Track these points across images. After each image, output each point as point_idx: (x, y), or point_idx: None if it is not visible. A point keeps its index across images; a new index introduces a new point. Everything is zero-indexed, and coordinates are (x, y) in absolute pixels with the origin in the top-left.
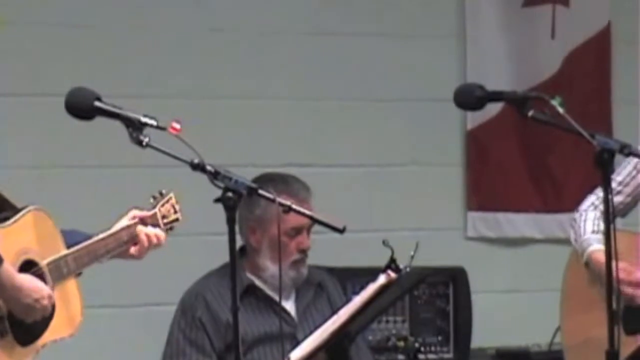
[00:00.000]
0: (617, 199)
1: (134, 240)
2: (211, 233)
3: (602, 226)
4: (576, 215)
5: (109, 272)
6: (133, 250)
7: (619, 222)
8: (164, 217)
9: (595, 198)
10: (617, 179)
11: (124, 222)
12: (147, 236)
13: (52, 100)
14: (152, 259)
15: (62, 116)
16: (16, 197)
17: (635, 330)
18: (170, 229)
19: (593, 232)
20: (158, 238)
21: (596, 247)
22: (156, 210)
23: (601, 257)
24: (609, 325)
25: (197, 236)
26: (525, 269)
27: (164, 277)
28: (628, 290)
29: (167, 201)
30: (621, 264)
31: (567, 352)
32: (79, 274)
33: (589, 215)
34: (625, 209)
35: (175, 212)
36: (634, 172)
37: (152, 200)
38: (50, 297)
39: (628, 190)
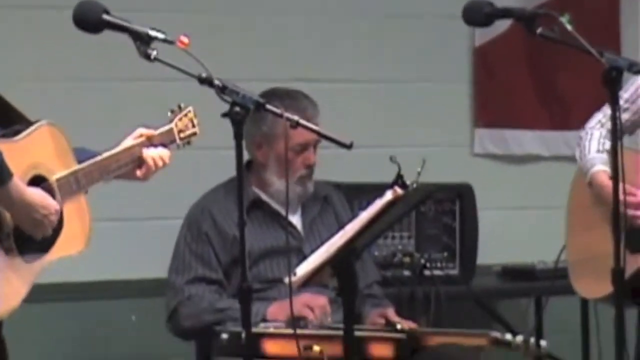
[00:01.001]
0: (624, 116)
1: (141, 160)
2: (218, 147)
3: (607, 145)
4: (582, 133)
5: (115, 185)
6: (139, 172)
7: (626, 139)
8: (180, 131)
9: (602, 116)
10: (624, 95)
11: (130, 141)
12: (153, 159)
13: (60, 13)
14: (159, 173)
15: (70, 29)
16: (22, 110)
17: (638, 249)
18: (188, 143)
19: (598, 151)
20: (163, 160)
21: (599, 167)
22: (172, 125)
23: (603, 178)
24: (614, 243)
25: (204, 150)
26: (532, 186)
27: (171, 191)
28: (630, 212)
29: (185, 115)
30: (625, 187)
31: (571, 268)
32: (86, 192)
33: (595, 134)
34: (633, 126)
35: (194, 126)
36: None
37: (169, 113)
38: (57, 212)
39: (635, 107)
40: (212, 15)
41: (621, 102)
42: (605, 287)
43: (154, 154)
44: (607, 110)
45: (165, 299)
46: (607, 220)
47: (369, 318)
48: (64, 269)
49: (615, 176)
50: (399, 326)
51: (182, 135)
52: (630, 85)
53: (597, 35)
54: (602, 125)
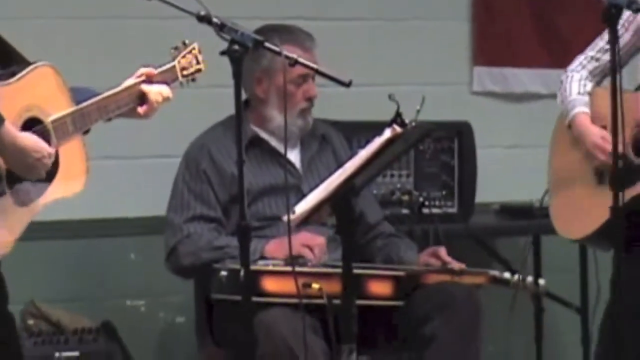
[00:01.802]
0: (606, 57)
1: (141, 98)
2: (217, 85)
3: (588, 87)
4: (563, 76)
5: (114, 123)
6: (141, 109)
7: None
8: (184, 68)
9: (583, 58)
10: (605, 36)
11: (133, 79)
12: (154, 94)
13: None
14: (158, 111)
15: None
16: (20, 50)
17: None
18: (193, 79)
19: (579, 93)
20: (163, 96)
21: (579, 109)
22: (175, 62)
23: (583, 119)
24: (612, 179)
25: (202, 88)
26: (531, 125)
27: (170, 129)
28: (601, 157)
29: (190, 52)
30: (602, 132)
31: (552, 209)
32: (87, 131)
33: (575, 76)
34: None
35: (198, 62)
36: (622, 31)
37: (173, 50)
38: (51, 155)
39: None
40: None
41: (601, 43)
42: (585, 228)
43: (154, 90)
44: (588, 52)
45: (164, 237)
46: (586, 161)
47: (420, 258)
48: (62, 207)
49: (614, 111)
50: (450, 266)
51: (185, 72)
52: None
53: None
54: (583, 67)
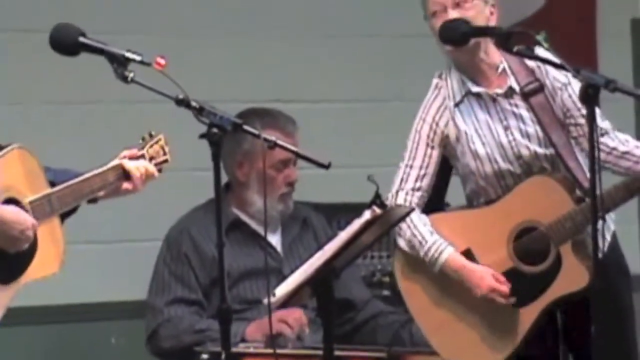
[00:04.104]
0: (425, 182)
1: (122, 178)
2: (196, 169)
3: (428, 223)
4: (395, 200)
5: (95, 207)
6: (127, 185)
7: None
8: (152, 158)
9: (404, 194)
10: (415, 163)
11: (113, 162)
12: (136, 168)
13: (37, 36)
14: (138, 194)
15: (47, 52)
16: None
17: (523, 301)
18: (159, 170)
19: (431, 233)
20: (146, 169)
21: (449, 251)
22: (144, 151)
23: (458, 261)
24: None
25: (182, 172)
26: None
27: (150, 213)
28: (502, 300)
29: (156, 142)
30: (489, 270)
31: (440, 348)
32: (73, 212)
33: (414, 219)
34: (430, 189)
35: (165, 153)
36: (429, 150)
37: (140, 141)
38: (34, 226)
39: (431, 170)
40: (188, 36)
41: (415, 171)
42: (500, 355)
43: (135, 164)
44: (404, 185)
45: (145, 320)
46: (465, 293)
47: None
48: (43, 291)
49: (594, 215)
50: None
51: (153, 162)
52: (414, 152)
53: (573, 53)
54: (411, 204)
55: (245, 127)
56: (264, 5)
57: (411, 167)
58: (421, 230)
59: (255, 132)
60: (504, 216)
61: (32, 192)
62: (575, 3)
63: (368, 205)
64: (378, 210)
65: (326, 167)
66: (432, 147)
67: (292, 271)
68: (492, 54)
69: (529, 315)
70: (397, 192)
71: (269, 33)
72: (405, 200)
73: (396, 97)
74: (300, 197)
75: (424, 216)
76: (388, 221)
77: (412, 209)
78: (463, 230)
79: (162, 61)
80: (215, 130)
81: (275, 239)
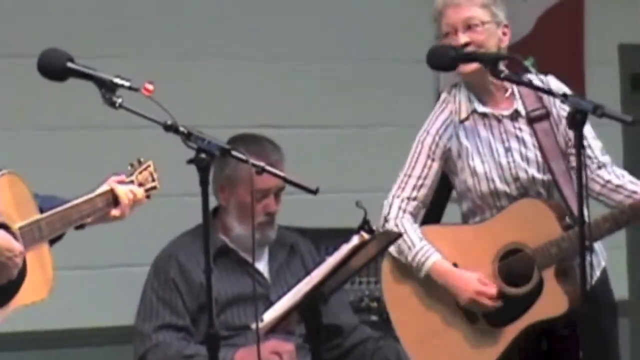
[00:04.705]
0: (422, 192)
1: (111, 204)
2: (184, 194)
3: (418, 231)
4: (389, 225)
5: (82, 233)
6: (115, 211)
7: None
8: (141, 184)
9: (399, 202)
10: (414, 173)
11: (102, 188)
12: (125, 193)
13: (25, 62)
14: (127, 219)
15: (35, 77)
16: None
17: (502, 322)
18: (148, 197)
19: (421, 239)
20: (134, 194)
21: (435, 257)
22: (133, 177)
23: (444, 267)
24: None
25: (170, 197)
26: None
27: (138, 238)
28: (488, 303)
29: (145, 168)
30: (475, 275)
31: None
32: (59, 238)
33: (406, 226)
34: (427, 201)
35: (153, 180)
36: (429, 162)
37: (129, 167)
38: (22, 253)
39: (428, 182)
40: (177, 62)
41: (413, 180)
42: None
43: (125, 189)
44: (400, 193)
45: (133, 346)
46: (447, 298)
47: None
48: (31, 317)
49: (581, 232)
50: None
51: (142, 189)
52: (414, 162)
53: (561, 78)
54: (405, 211)
55: (233, 152)
56: (253, 31)
57: (409, 176)
58: (411, 236)
59: (243, 157)
60: (493, 235)
61: (21, 218)
62: (562, 28)
63: (356, 231)
64: (366, 236)
65: (314, 192)
66: (433, 159)
67: (280, 297)
68: None
69: (506, 335)
70: (392, 198)
71: (258, 58)
72: (399, 207)
73: (384, 122)
74: (288, 222)
75: (416, 225)
76: (376, 247)
77: (400, 234)
78: (452, 245)
79: (151, 87)
80: (203, 155)
81: (262, 265)
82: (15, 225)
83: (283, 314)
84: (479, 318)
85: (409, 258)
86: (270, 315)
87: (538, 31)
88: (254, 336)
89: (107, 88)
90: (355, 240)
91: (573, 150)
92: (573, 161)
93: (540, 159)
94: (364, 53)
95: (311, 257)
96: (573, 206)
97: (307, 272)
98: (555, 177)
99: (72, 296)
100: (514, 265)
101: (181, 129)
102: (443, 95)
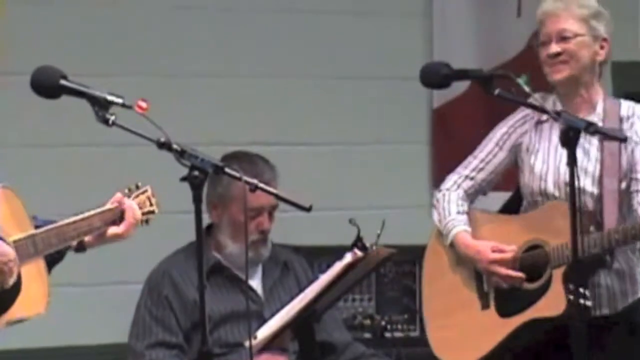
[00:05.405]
0: (480, 175)
1: (109, 223)
2: (178, 211)
3: (465, 206)
4: (439, 195)
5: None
6: (115, 229)
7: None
8: (138, 207)
9: (457, 177)
10: (479, 155)
11: (105, 207)
12: (132, 208)
13: (18, 79)
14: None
15: (28, 95)
16: None
17: (508, 313)
18: (146, 221)
19: (458, 212)
20: (134, 213)
21: (461, 228)
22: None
23: (466, 237)
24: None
25: (164, 215)
26: None
27: (131, 255)
28: (499, 269)
29: (143, 193)
30: (491, 244)
31: (433, 337)
32: (60, 259)
33: (452, 197)
34: (488, 186)
35: (151, 204)
36: (496, 150)
37: (127, 191)
38: (16, 260)
39: (490, 167)
40: (168, 79)
41: (476, 162)
42: (472, 356)
43: (133, 205)
44: (462, 171)
45: None
46: (466, 286)
47: None
48: (25, 334)
49: (574, 233)
50: None
51: (140, 212)
52: (484, 147)
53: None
54: (459, 187)
55: (227, 169)
56: (246, 48)
57: (475, 157)
58: (451, 206)
59: (237, 174)
60: (521, 228)
61: (16, 232)
62: None
63: (349, 248)
64: (359, 253)
65: (307, 209)
66: (500, 148)
67: (273, 314)
68: (594, 93)
69: (507, 326)
70: (454, 173)
71: (251, 76)
72: (455, 182)
73: (378, 140)
74: (282, 239)
75: (462, 201)
76: (369, 264)
77: (393, 253)
78: (491, 230)
79: (144, 104)
80: (196, 172)
81: (255, 283)
82: (10, 239)
83: (276, 331)
84: (489, 305)
85: (442, 224)
86: (263, 332)
87: (532, 48)
88: (247, 353)
89: (101, 105)
90: (348, 257)
91: (634, 175)
92: (632, 186)
93: (597, 173)
94: (356, 70)
95: (304, 274)
96: (606, 221)
97: (301, 290)
98: (603, 192)
99: (64, 313)
100: (531, 260)
101: (174, 146)
102: (537, 95)
